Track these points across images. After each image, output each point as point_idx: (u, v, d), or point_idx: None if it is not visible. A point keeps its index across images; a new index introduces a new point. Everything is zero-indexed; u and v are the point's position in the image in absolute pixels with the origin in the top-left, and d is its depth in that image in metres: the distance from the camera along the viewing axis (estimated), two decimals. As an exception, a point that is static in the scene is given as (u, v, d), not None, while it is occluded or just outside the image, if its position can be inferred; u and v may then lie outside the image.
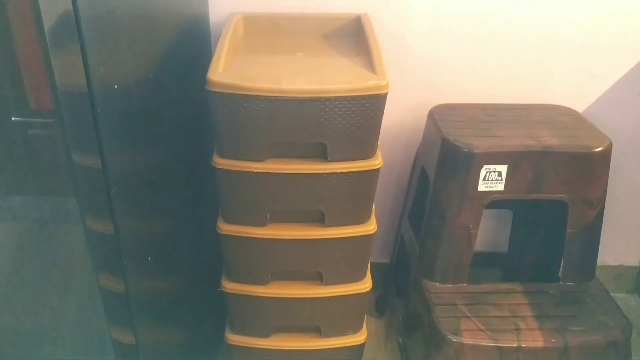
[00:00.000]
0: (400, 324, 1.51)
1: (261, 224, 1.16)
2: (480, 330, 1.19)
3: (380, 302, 1.69)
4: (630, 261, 1.77)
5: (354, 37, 1.31)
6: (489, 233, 1.71)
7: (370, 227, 1.19)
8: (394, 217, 1.68)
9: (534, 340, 1.17)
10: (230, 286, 1.24)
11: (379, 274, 1.74)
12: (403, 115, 1.53)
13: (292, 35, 1.33)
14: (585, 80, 1.50)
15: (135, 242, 0.88)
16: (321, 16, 1.35)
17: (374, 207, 1.23)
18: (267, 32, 1.34)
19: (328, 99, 1.03)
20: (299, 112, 1.04)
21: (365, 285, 1.26)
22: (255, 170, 1.10)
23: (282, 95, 1.02)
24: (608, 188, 1.62)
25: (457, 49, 1.46)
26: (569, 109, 1.42)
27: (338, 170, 1.10)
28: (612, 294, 1.77)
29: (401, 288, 1.56)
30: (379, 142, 1.15)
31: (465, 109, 1.38)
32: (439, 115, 1.34)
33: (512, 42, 1.45)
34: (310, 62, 1.20)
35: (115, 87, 0.79)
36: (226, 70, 1.07)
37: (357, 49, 1.23)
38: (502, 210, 1.65)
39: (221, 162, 1.10)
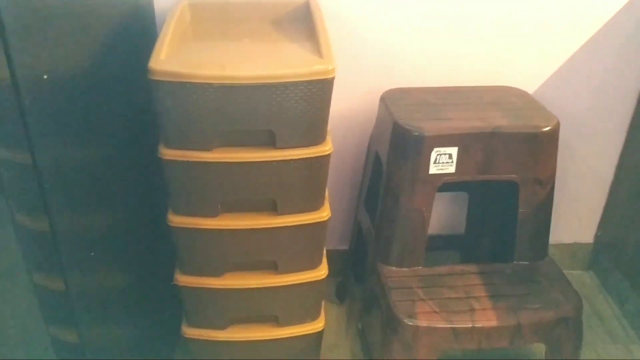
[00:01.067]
0: (359, 310, 1.51)
1: (212, 214, 1.14)
2: (435, 312, 1.19)
3: (340, 289, 1.69)
4: (585, 238, 1.80)
5: (302, 22, 1.29)
6: (446, 216, 1.73)
7: (323, 213, 1.18)
8: (352, 204, 1.68)
9: (487, 320, 1.18)
10: (184, 279, 1.22)
11: (339, 260, 1.74)
12: (356, 100, 1.52)
13: (240, 21, 1.31)
14: (536, 61, 1.52)
15: (75, 238, 0.85)
16: (270, 2, 1.32)
17: (327, 193, 1.22)
18: (215, 18, 1.31)
19: (274, 85, 1.01)
20: (245, 99, 1.02)
21: (321, 272, 1.26)
22: (202, 160, 1.07)
23: (226, 82, 1.00)
24: (560, 167, 1.65)
25: (408, 33, 1.45)
26: (519, 90, 1.44)
27: (287, 158, 1.09)
28: (567, 272, 1.80)
29: (360, 274, 1.56)
30: (330, 128, 1.14)
31: (417, 92, 1.38)
32: (390, 99, 1.34)
33: (463, 25, 1.45)
34: (258, 48, 1.17)
35: (45, 77, 0.76)
36: (169, 58, 1.04)
37: (305, 34, 1.21)
38: (459, 192, 1.67)
39: (167, 153, 1.08)
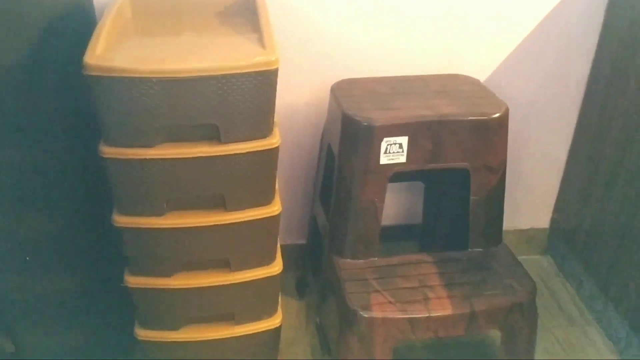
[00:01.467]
0: (316, 304, 1.50)
1: (158, 213, 1.11)
2: (390, 303, 1.19)
3: (299, 283, 1.67)
4: (541, 224, 1.82)
5: (247, 14, 1.26)
6: (403, 205, 1.72)
7: (274, 208, 1.16)
8: (308, 197, 1.66)
9: (442, 308, 1.18)
10: (134, 280, 1.19)
11: (297, 254, 1.73)
12: (309, 92, 1.51)
13: (183, 14, 1.27)
14: (486, 49, 1.52)
15: (7, 242, 0.82)
16: (213, -6, 1.29)
17: (277, 187, 1.20)
18: (158, 12, 1.27)
19: (215, 78, 0.98)
20: (186, 93, 0.99)
21: (276, 268, 1.24)
22: (145, 158, 1.04)
23: (166, 76, 0.97)
24: (514, 154, 1.66)
25: (359, 23, 1.44)
26: (470, 77, 1.44)
27: (233, 152, 1.06)
28: (524, 257, 1.83)
29: (317, 268, 1.55)
30: (277, 120, 1.12)
31: (366, 83, 1.37)
32: (340, 90, 1.32)
33: (414, 14, 1.45)
34: (200, 41, 1.14)
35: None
36: (106, 53, 1.01)
37: (249, 27, 1.18)
38: (414, 182, 1.67)
39: (108, 151, 1.04)
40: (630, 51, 1.39)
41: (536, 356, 1.42)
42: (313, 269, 1.63)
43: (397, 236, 1.72)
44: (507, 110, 1.26)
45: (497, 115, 1.24)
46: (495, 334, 1.43)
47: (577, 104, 1.63)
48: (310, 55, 1.46)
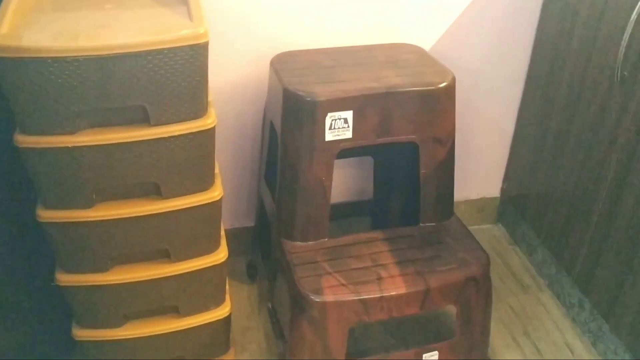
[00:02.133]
0: (267, 289, 1.44)
1: (86, 205, 1.02)
2: (343, 285, 1.14)
3: (250, 268, 1.61)
4: (491, 192, 1.81)
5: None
6: (353, 181, 1.68)
7: (214, 193, 1.09)
8: (254, 178, 1.59)
9: (395, 287, 1.14)
10: (66, 278, 1.10)
11: (247, 238, 1.66)
12: (248, 67, 1.42)
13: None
14: (430, 16, 1.47)
15: None
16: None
17: (218, 170, 1.12)
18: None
19: (137, 54, 0.89)
20: (106, 72, 0.90)
21: (220, 255, 1.17)
22: (67, 146, 0.95)
23: (79, 54, 0.87)
24: (463, 124, 1.63)
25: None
26: (414, 46, 1.39)
27: (165, 135, 0.98)
28: (477, 226, 1.82)
29: (266, 251, 1.49)
30: (214, 99, 1.04)
31: (308, 55, 1.30)
32: (280, 64, 1.25)
33: (353, -19, 1.38)
34: (121, 15, 1.04)
35: None
36: (15, 32, 0.90)
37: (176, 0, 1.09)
38: (363, 157, 1.62)
39: (25, 140, 0.94)
40: (572, 13, 1.37)
41: (491, 326, 1.41)
42: (262, 252, 1.57)
43: (349, 214, 1.67)
44: (453, 79, 1.22)
45: (444, 84, 1.19)
46: (450, 308, 1.41)
47: (523, 71, 1.61)
48: (247, 27, 1.37)
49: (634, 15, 1.15)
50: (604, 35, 1.26)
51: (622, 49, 1.19)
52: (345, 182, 1.66)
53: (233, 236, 1.61)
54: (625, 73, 1.20)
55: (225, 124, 1.48)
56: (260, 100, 1.46)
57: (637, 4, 1.14)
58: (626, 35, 1.17)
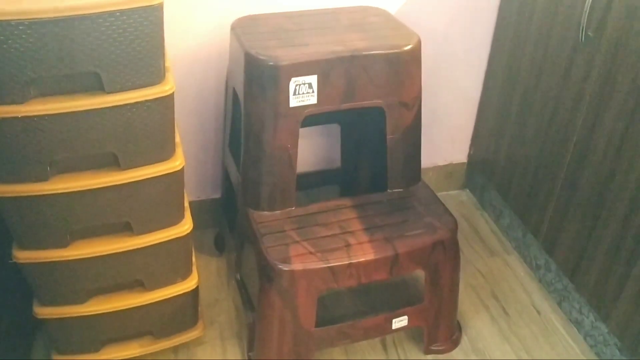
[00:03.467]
0: (235, 260, 1.42)
1: (41, 178, 0.97)
2: (311, 253, 1.13)
3: (218, 240, 1.59)
4: (459, 158, 1.81)
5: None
6: (320, 150, 1.65)
7: (175, 162, 1.05)
8: (219, 148, 1.55)
9: (364, 254, 1.13)
10: (24, 255, 1.06)
11: (214, 209, 1.63)
12: (208, 33, 1.38)
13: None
14: (395, -22, 1.44)
15: None
16: None
17: (178, 139, 1.09)
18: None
19: (87, 17, 0.85)
20: (54, 37, 0.85)
21: (185, 227, 1.14)
22: (17, 116, 0.90)
23: (24, 17, 0.82)
24: (430, 89, 1.62)
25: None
26: (379, 9, 1.35)
27: (120, 102, 0.94)
28: (444, 192, 1.83)
29: (233, 222, 1.46)
30: (168, 65, 1.00)
31: (270, 19, 1.26)
32: (241, 28, 1.21)
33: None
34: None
35: None
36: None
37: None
38: (330, 124, 1.59)
39: (-31, 111, 0.89)
40: (539, -26, 1.35)
41: (460, 290, 1.42)
42: (229, 223, 1.54)
43: (317, 183, 1.65)
44: (419, 41, 1.20)
45: (409, 47, 1.17)
46: (419, 273, 1.41)
47: (489, 34, 1.59)
48: (207, -9, 1.32)
49: (598, -26, 1.14)
50: (569, -5, 1.25)
51: (586, 9, 1.18)
52: (313, 151, 1.64)
53: (200, 208, 1.58)
54: (590, 33, 1.20)
55: (187, 92, 1.43)
56: (223, 67, 1.41)
57: (601, -37, 1.13)
58: (590, -5, 1.16)
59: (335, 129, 1.60)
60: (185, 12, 1.32)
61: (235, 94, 1.26)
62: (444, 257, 1.20)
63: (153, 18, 0.90)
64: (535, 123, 1.42)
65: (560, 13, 1.29)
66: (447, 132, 1.74)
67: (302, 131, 1.18)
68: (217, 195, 1.63)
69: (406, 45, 1.17)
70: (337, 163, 1.67)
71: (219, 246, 1.59)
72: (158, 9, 0.90)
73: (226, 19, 1.32)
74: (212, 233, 1.62)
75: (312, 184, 1.65)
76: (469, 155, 1.80)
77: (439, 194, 1.33)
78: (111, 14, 0.86)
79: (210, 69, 1.42)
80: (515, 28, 1.47)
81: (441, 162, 1.79)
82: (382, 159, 1.41)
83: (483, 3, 1.54)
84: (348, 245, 1.14)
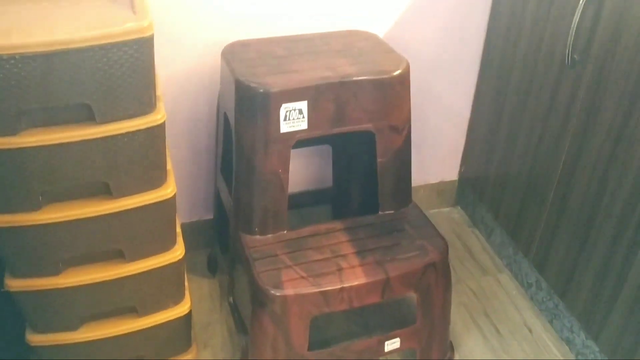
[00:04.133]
0: (228, 283, 1.42)
1: (33, 207, 0.98)
2: (303, 278, 1.13)
3: (211, 262, 1.59)
4: (450, 176, 1.83)
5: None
6: (312, 170, 1.66)
7: (167, 190, 1.06)
8: (211, 170, 1.56)
9: (356, 278, 1.14)
10: (16, 283, 1.06)
11: (207, 231, 1.64)
12: (199, 58, 1.39)
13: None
14: (384, 2, 1.45)
15: None
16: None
17: (169, 166, 1.09)
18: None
19: (78, 51, 0.86)
20: (45, 70, 0.86)
21: (177, 253, 1.14)
22: (9, 147, 0.90)
23: (14, 52, 0.83)
24: (419, 109, 1.63)
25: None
26: (368, 33, 1.37)
27: (112, 133, 0.94)
28: (436, 210, 1.84)
29: (225, 245, 1.46)
30: (159, 93, 1.01)
31: (260, 44, 1.27)
32: (231, 54, 1.22)
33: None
34: (61, 10, 0.99)
35: None
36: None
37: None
38: (322, 146, 1.60)
39: (-39, 141, 0.89)
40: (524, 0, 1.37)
41: (452, 309, 1.43)
42: (222, 245, 1.55)
43: (309, 202, 1.66)
44: (408, 66, 1.21)
45: (398, 72, 1.18)
46: (411, 295, 1.42)
47: (478, 56, 1.62)
48: (197, 16, 1.33)
49: (582, -1, 1.16)
50: (554, 19, 1.27)
51: (572, 33, 1.20)
52: (304, 170, 1.65)
53: (192, 230, 1.59)
54: (576, 56, 1.22)
55: (179, 116, 1.44)
56: (214, 91, 1.43)
57: (585, -12, 1.15)
58: (576, 18, 1.18)
59: (326, 149, 1.61)
60: (176, 38, 1.33)
61: (226, 119, 1.27)
62: (436, 279, 1.21)
63: (144, 49, 0.90)
64: (524, 143, 1.44)
65: (547, 37, 1.31)
66: (438, 151, 1.75)
67: (294, 152, 1.19)
68: (210, 216, 1.63)
69: (395, 70, 1.18)
70: (329, 183, 1.68)
71: (212, 268, 1.59)
72: (148, 41, 0.90)
73: (217, 44, 1.33)
74: (204, 254, 1.62)
75: (304, 204, 1.66)
76: (460, 173, 1.82)
77: (430, 211, 1.34)
78: (102, 47, 0.87)
79: (202, 94, 1.43)
80: (503, 51, 1.49)
81: (433, 180, 1.81)
82: (373, 180, 1.42)
83: (471, 26, 1.56)
84: (340, 269, 1.15)
